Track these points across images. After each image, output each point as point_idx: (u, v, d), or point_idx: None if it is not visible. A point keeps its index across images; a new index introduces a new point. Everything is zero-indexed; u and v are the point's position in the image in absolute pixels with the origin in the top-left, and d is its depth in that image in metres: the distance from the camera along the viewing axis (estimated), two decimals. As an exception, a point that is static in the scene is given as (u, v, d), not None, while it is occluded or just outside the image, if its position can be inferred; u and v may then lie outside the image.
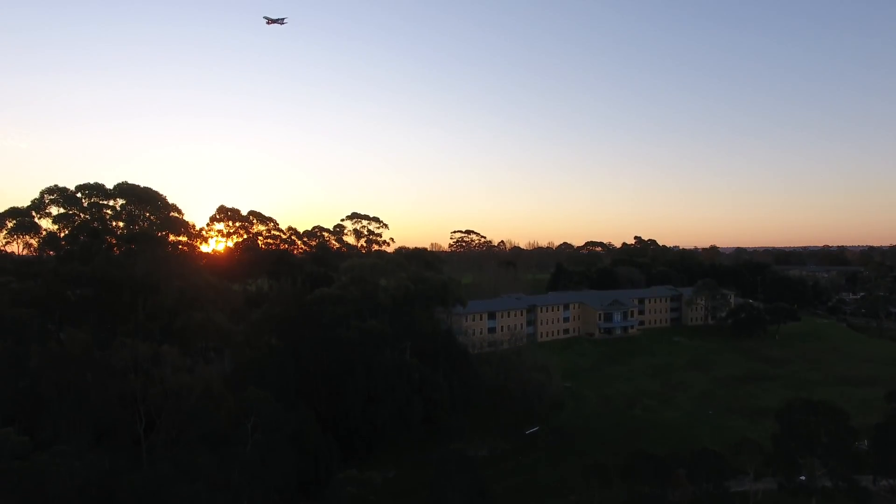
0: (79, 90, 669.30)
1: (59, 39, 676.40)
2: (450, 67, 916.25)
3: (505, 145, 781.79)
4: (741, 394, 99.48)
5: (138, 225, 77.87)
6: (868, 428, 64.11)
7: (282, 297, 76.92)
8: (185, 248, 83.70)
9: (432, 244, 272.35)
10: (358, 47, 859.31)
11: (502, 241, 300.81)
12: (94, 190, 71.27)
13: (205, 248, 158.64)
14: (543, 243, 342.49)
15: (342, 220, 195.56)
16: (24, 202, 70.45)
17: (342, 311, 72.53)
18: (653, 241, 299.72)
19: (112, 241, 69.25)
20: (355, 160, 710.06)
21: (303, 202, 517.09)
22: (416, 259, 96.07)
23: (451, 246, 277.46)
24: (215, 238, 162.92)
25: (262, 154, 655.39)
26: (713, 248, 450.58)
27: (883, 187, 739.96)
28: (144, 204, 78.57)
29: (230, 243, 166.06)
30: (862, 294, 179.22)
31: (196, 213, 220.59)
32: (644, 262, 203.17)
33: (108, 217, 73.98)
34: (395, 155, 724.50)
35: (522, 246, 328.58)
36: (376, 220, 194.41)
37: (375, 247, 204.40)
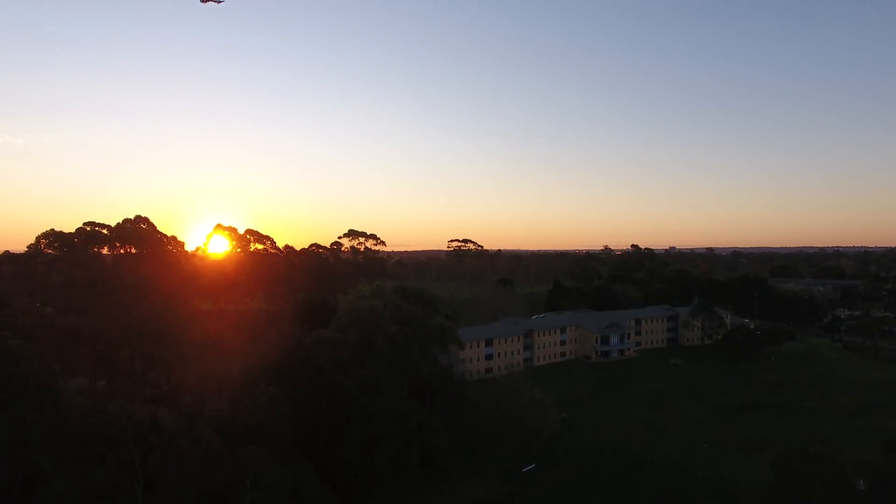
0: (72, 88, 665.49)
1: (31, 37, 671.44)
2: (449, 69, 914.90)
3: (503, 148, 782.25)
4: (737, 425, 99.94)
5: (136, 266, 77.60)
6: (864, 463, 64.58)
7: (279, 339, 76.95)
8: (182, 286, 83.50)
9: (429, 257, 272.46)
10: (355, 46, 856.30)
11: (499, 250, 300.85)
12: (91, 237, 70.93)
13: (202, 266, 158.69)
14: (542, 248, 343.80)
15: (339, 237, 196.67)
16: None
17: (340, 356, 72.70)
18: (649, 251, 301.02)
19: (109, 289, 69.19)
20: (353, 162, 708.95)
21: (299, 207, 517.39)
22: (414, 297, 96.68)
23: (448, 253, 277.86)
24: (212, 256, 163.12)
25: (259, 160, 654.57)
26: (710, 252, 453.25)
27: (879, 189, 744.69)
28: (142, 244, 78.31)
29: (228, 261, 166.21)
30: (858, 313, 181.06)
31: (194, 223, 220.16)
32: (641, 279, 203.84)
33: (104, 261, 73.73)
34: (394, 158, 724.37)
35: (519, 253, 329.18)
36: (373, 237, 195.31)
37: (373, 260, 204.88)
